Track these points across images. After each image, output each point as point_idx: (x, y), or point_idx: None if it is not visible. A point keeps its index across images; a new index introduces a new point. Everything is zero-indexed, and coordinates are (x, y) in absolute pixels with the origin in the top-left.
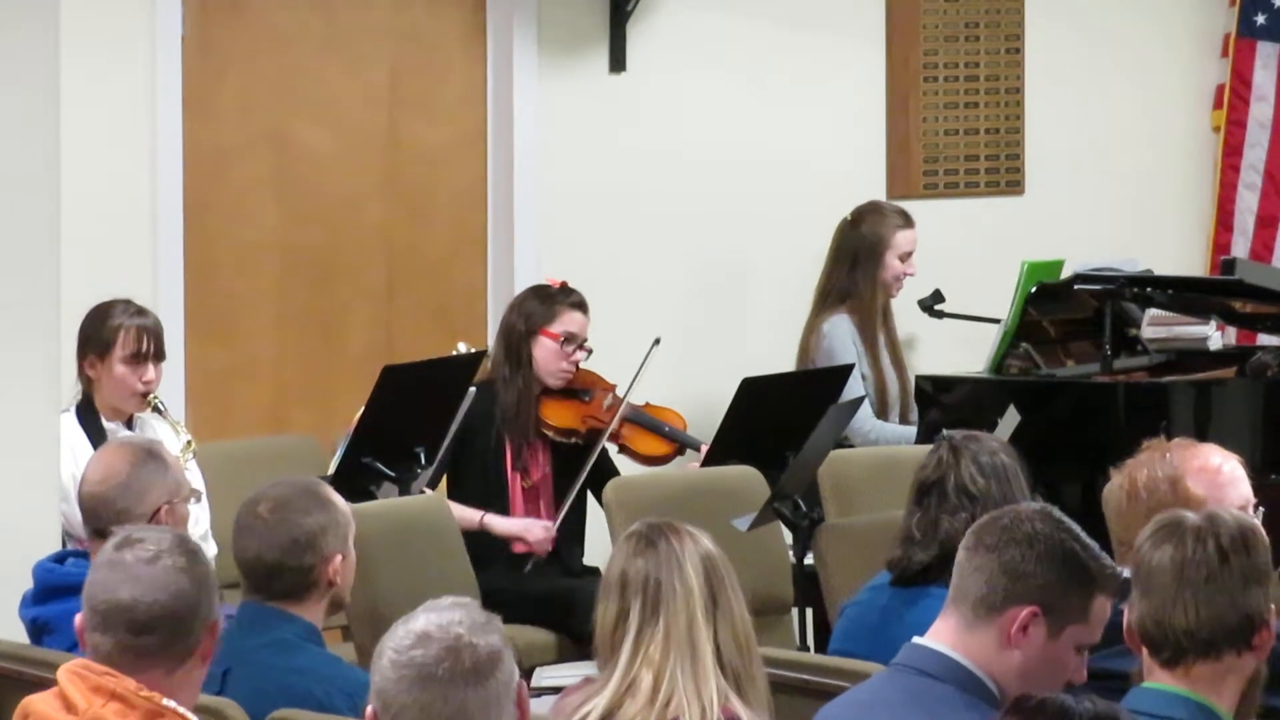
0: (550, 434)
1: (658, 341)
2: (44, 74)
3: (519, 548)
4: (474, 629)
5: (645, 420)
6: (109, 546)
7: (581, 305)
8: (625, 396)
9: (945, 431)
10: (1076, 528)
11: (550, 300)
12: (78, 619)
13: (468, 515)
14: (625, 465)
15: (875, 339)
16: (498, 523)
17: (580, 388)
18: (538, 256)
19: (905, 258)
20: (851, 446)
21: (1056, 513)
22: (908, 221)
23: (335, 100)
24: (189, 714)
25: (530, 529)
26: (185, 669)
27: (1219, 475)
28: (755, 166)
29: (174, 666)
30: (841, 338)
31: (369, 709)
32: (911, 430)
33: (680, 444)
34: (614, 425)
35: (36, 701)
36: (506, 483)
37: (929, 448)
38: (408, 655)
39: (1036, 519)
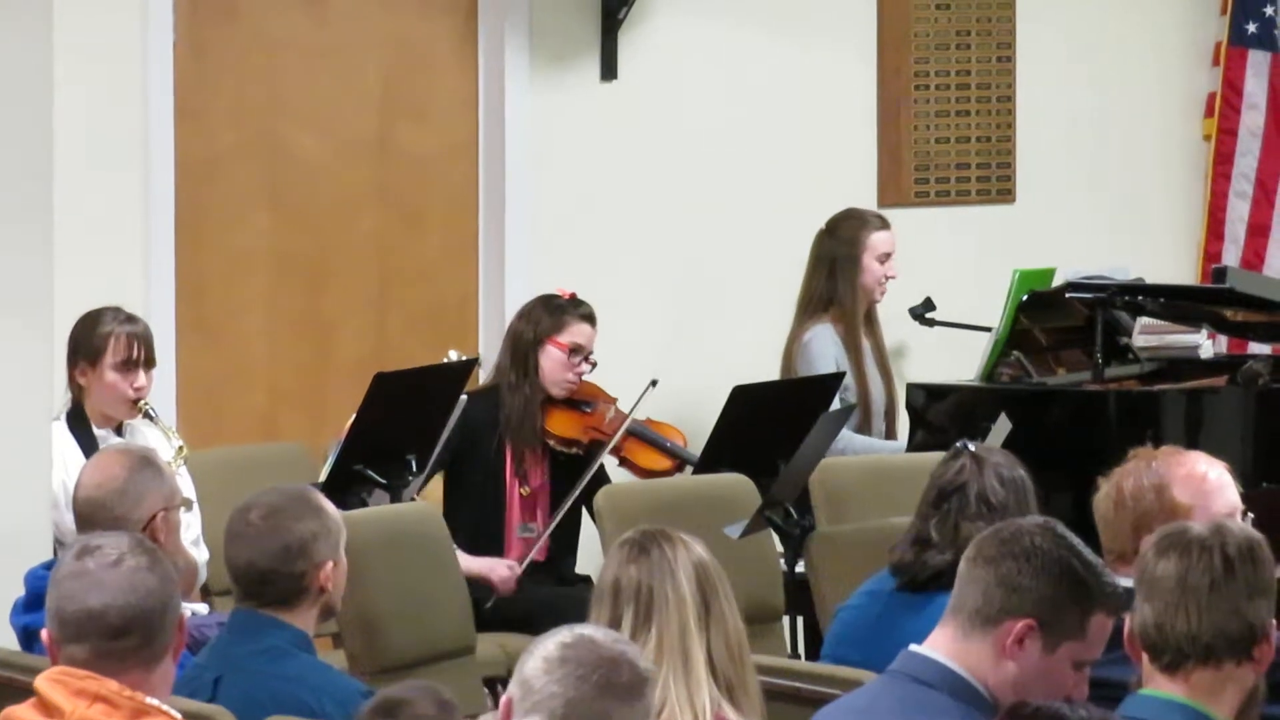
0: (553, 443)
1: (654, 383)
2: (36, 80)
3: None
4: (635, 651)
5: (647, 435)
6: (68, 558)
7: (590, 317)
8: (631, 412)
9: (964, 441)
10: (1079, 543)
11: (560, 311)
12: (44, 634)
13: None
14: (624, 478)
15: (860, 347)
16: (463, 560)
17: (582, 399)
18: (529, 264)
19: (884, 259)
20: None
21: (1059, 528)
22: (883, 224)
23: (327, 107)
24: (173, 711)
25: (495, 568)
26: (163, 666)
27: (1205, 483)
28: (746, 175)
29: (153, 665)
30: (822, 346)
31: (504, 697)
32: (883, 443)
33: (681, 460)
34: (617, 438)
35: (17, 712)
36: (505, 489)
37: (925, 456)
38: (568, 651)
39: (1037, 533)
